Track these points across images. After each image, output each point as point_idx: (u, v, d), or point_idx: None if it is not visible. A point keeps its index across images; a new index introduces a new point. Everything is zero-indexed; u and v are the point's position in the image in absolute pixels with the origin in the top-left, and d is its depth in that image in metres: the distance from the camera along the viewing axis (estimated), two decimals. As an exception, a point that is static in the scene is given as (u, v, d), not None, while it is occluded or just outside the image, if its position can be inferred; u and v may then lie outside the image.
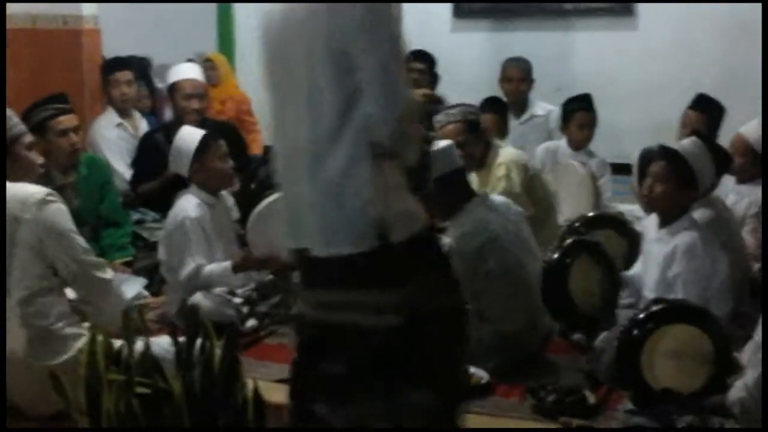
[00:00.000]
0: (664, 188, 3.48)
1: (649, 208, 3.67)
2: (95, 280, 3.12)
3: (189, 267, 3.81)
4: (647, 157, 3.87)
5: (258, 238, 3.99)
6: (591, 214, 4.24)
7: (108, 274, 3.19)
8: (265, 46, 2.38)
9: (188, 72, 5.24)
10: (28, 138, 3.29)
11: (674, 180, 3.47)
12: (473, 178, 4.35)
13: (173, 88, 5.17)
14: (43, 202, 3.05)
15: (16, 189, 3.08)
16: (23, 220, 3.02)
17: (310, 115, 2.23)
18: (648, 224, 3.67)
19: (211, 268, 3.85)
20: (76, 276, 3.09)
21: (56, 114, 4.31)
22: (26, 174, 3.23)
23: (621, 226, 4.13)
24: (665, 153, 3.54)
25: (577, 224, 4.06)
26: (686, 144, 3.58)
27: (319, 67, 2.18)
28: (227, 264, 3.86)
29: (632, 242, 4.06)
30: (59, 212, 3.09)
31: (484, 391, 3.18)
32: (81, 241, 3.12)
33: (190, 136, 4.01)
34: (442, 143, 3.53)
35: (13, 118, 3.21)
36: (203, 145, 3.94)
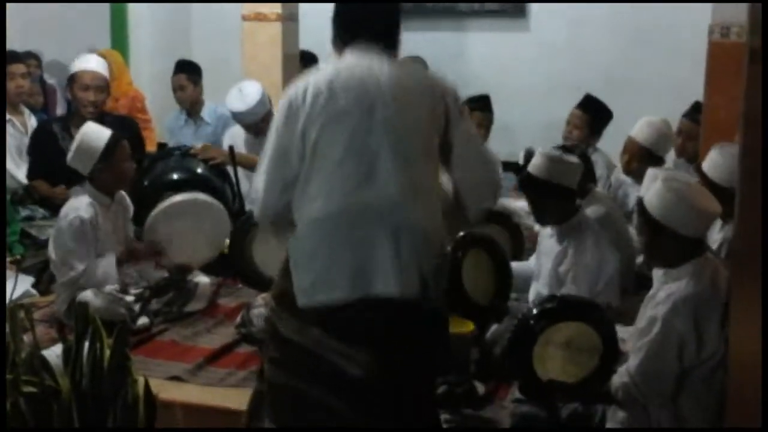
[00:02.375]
0: (538, 211, 3.67)
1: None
2: None
3: (76, 271, 3.75)
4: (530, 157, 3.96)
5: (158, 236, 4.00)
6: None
7: None
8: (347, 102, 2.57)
9: (89, 63, 5.14)
10: None
11: (543, 200, 3.62)
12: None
13: (72, 78, 5.06)
14: None
15: None
16: None
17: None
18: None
19: (100, 264, 3.80)
20: None
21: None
22: None
23: (505, 220, 4.22)
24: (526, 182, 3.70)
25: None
26: (537, 164, 3.63)
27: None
28: (112, 258, 3.82)
29: (515, 236, 4.18)
30: None
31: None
32: None
33: (96, 134, 3.88)
34: None
35: None
36: (111, 146, 3.85)
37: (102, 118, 4.73)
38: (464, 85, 5.85)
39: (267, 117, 4.84)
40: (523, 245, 4.22)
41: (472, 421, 2.92)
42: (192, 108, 6.05)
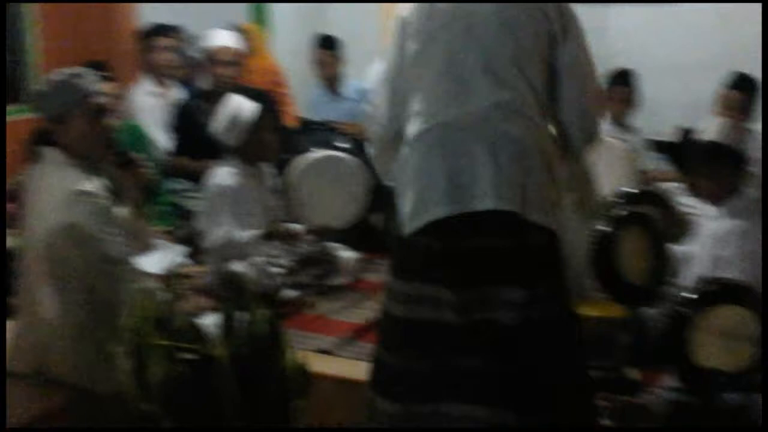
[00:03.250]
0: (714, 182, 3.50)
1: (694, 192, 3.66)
2: (116, 282, 3.02)
3: (219, 234, 3.81)
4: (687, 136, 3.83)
5: (300, 195, 4.07)
6: (633, 190, 4.20)
7: (124, 264, 3.08)
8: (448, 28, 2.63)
9: (224, 39, 5.22)
10: (94, 101, 3.09)
11: (723, 170, 3.45)
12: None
13: (209, 55, 5.15)
14: (70, 200, 2.96)
15: (56, 177, 3.01)
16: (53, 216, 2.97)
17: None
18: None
19: (242, 234, 3.86)
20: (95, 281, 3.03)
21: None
22: (81, 143, 3.07)
23: (663, 203, 4.08)
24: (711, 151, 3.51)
25: (618, 201, 4.03)
26: (720, 130, 3.50)
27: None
28: (258, 232, 3.87)
29: (670, 218, 4.04)
30: (83, 214, 2.98)
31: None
32: (104, 247, 2.99)
33: (244, 106, 3.97)
34: None
35: (65, 85, 3.03)
36: (257, 118, 3.91)
37: (239, 92, 4.80)
38: (606, 60, 5.83)
39: None
40: (681, 228, 4.07)
41: (626, 409, 2.84)
42: (332, 83, 6.08)
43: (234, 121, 3.91)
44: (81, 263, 2.98)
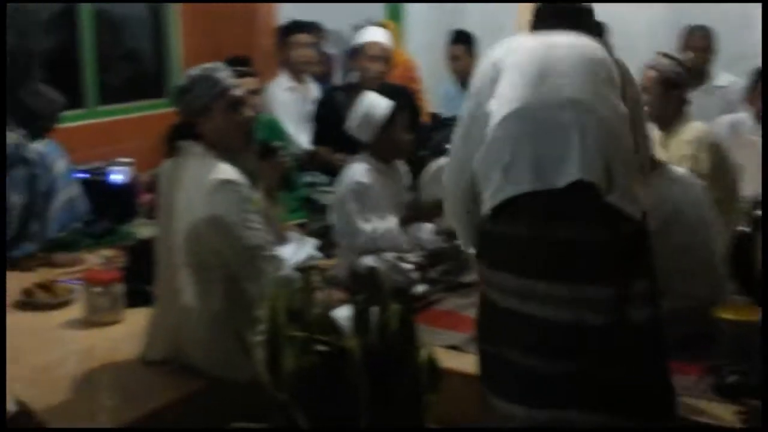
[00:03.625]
0: None
1: None
2: (259, 270, 3.06)
3: (366, 232, 3.86)
4: None
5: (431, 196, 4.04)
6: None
7: (271, 252, 3.12)
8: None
9: (375, 35, 5.29)
10: (236, 95, 3.15)
11: None
12: (654, 146, 4.23)
13: (359, 50, 5.22)
14: (215, 189, 3.01)
15: (199, 169, 3.05)
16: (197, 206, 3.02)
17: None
18: None
19: (382, 226, 3.90)
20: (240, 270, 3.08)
21: (238, 77, 4.39)
22: (224, 137, 3.13)
23: None
24: None
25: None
26: None
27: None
28: (395, 220, 3.90)
29: None
30: (228, 203, 3.02)
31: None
32: (249, 235, 3.04)
33: (377, 103, 3.99)
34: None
35: (210, 78, 3.10)
36: (391, 116, 3.94)
37: (380, 88, 4.83)
38: (751, 56, 5.64)
39: None
40: None
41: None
42: (464, 78, 6.07)
43: (367, 118, 3.95)
44: (224, 253, 3.05)
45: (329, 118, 5.13)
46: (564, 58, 2.72)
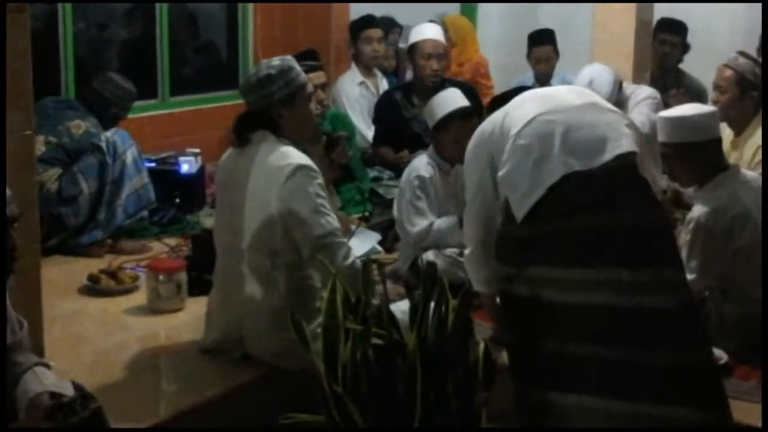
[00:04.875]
0: None
1: None
2: (329, 256, 3.03)
3: (422, 224, 3.85)
4: None
5: None
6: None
7: (342, 239, 3.14)
8: None
9: (429, 32, 5.26)
10: (310, 87, 3.25)
11: None
12: (725, 147, 4.14)
13: (413, 48, 5.21)
14: (292, 174, 3.04)
15: (276, 155, 3.09)
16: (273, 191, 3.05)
17: None
18: None
19: (439, 222, 3.88)
20: (311, 256, 3.08)
21: (306, 71, 4.41)
22: (302, 127, 3.21)
23: None
24: None
25: None
26: None
27: None
28: (454, 218, 3.86)
29: None
30: (304, 188, 3.05)
31: (721, 372, 3.04)
32: (323, 221, 3.06)
33: (444, 102, 3.93)
34: (706, 108, 3.46)
35: (294, 69, 3.15)
36: (445, 121, 3.89)
37: (442, 85, 4.82)
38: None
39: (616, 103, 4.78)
40: None
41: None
42: (547, 79, 5.98)
43: (428, 114, 3.94)
44: (297, 238, 3.06)
45: (388, 118, 5.13)
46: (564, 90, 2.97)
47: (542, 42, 5.89)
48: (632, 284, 2.56)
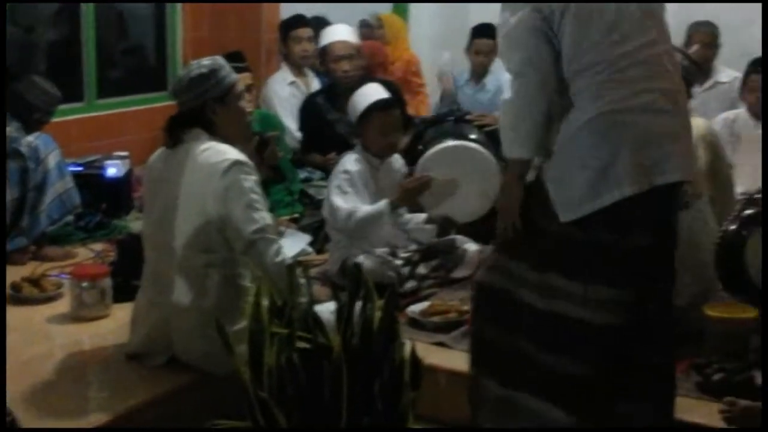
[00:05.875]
0: None
1: None
2: (260, 253, 3.06)
3: (343, 210, 3.83)
4: None
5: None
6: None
7: (273, 235, 3.14)
8: None
9: (338, 34, 5.27)
10: (240, 86, 3.28)
11: None
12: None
13: (323, 50, 5.22)
14: (227, 169, 3.04)
15: (211, 152, 3.10)
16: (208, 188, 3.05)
17: None
18: None
19: (366, 208, 3.86)
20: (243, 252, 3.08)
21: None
22: (236, 125, 3.24)
23: None
24: None
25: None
26: None
27: None
28: (384, 202, 3.84)
29: None
30: (239, 183, 3.05)
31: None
32: (256, 216, 3.06)
33: (363, 97, 3.97)
34: None
35: (225, 68, 3.18)
36: (366, 114, 3.92)
37: (363, 83, 4.82)
38: (755, 53, 5.59)
39: None
40: None
41: (749, 414, 2.71)
42: (482, 75, 6.01)
43: (351, 109, 3.96)
44: (230, 234, 3.06)
45: (312, 122, 5.13)
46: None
47: (486, 34, 5.92)
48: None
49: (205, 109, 3.14)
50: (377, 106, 3.91)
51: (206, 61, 3.19)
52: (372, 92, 4.00)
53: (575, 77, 2.63)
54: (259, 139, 4.04)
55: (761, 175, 3.90)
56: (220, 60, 3.22)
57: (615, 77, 2.60)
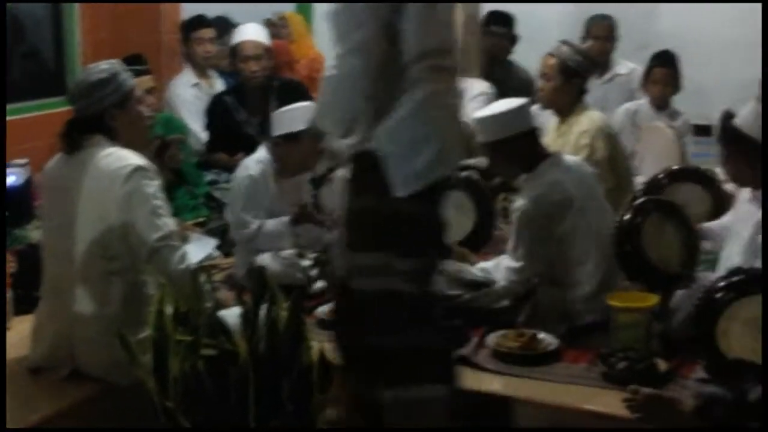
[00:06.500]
0: (735, 170, 3.36)
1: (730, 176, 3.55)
2: (164, 260, 3.02)
3: (250, 228, 3.82)
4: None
5: (329, 202, 3.98)
6: (675, 167, 4.16)
7: (177, 242, 3.10)
8: None
9: (247, 34, 5.23)
10: (138, 91, 3.28)
11: (743, 158, 3.31)
12: (551, 134, 4.26)
13: (233, 50, 5.18)
14: (130, 175, 3.01)
15: (112, 158, 3.06)
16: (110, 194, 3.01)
17: None
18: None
19: (268, 224, 3.85)
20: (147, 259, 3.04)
21: (133, 76, 4.30)
22: (136, 130, 3.22)
23: (707, 180, 4.01)
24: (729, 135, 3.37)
25: (660, 176, 4.03)
26: (746, 115, 3.26)
27: None
28: (285, 218, 3.85)
29: (717, 198, 3.96)
30: (142, 189, 3.02)
31: (552, 357, 3.14)
32: (160, 223, 3.03)
33: (297, 116, 3.84)
34: (518, 101, 3.49)
35: (123, 72, 3.15)
36: (294, 136, 3.82)
37: (271, 83, 4.80)
38: (653, 44, 5.72)
39: None
40: (724, 206, 3.96)
41: (653, 401, 2.77)
42: None
43: (279, 125, 3.89)
44: (133, 241, 3.01)
45: (220, 122, 5.08)
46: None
47: None
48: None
49: (104, 115, 3.11)
50: (310, 132, 3.86)
51: (104, 66, 3.16)
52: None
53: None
54: (160, 142, 3.97)
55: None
56: (117, 64, 3.19)
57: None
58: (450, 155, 2.63)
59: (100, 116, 3.11)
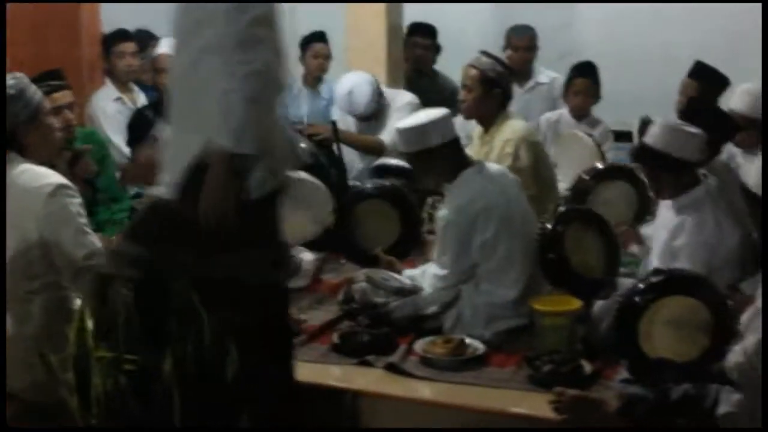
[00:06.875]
0: (654, 183, 3.48)
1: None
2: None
3: None
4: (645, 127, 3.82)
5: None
6: (601, 166, 4.23)
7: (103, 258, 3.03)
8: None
9: (168, 46, 5.18)
10: (48, 104, 3.21)
11: (659, 173, 3.40)
12: (475, 143, 4.30)
13: (154, 63, 5.14)
14: (52, 194, 2.95)
15: (30, 175, 2.99)
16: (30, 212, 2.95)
17: None
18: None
19: None
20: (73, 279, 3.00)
21: (51, 91, 4.25)
22: (49, 143, 3.17)
23: (632, 177, 4.09)
24: (641, 153, 3.47)
25: (586, 176, 4.10)
26: (655, 133, 3.38)
27: None
28: None
29: (643, 194, 4.03)
30: (65, 208, 2.97)
31: (479, 362, 3.17)
32: (86, 241, 2.99)
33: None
34: (439, 111, 3.50)
35: (30, 86, 3.09)
36: None
37: None
38: (573, 53, 5.82)
39: (377, 110, 4.91)
40: (650, 204, 4.04)
41: (579, 402, 2.80)
42: (318, 79, 6.01)
43: None
44: (58, 258, 2.96)
45: (141, 137, 5.02)
46: None
47: (320, 39, 5.94)
48: None
49: (16, 132, 3.04)
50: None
51: (11, 81, 3.08)
52: None
53: None
54: (71, 153, 3.93)
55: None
56: (24, 79, 3.12)
57: None
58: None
59: (12, 133, 3.04)
